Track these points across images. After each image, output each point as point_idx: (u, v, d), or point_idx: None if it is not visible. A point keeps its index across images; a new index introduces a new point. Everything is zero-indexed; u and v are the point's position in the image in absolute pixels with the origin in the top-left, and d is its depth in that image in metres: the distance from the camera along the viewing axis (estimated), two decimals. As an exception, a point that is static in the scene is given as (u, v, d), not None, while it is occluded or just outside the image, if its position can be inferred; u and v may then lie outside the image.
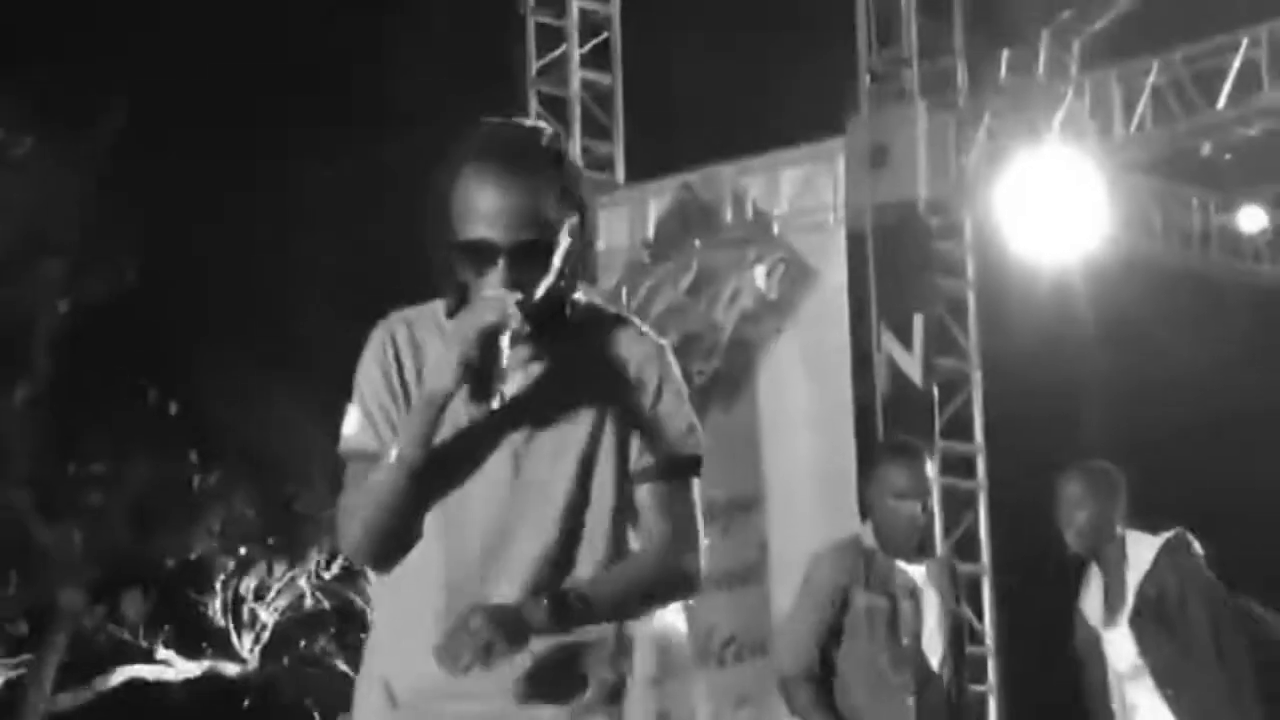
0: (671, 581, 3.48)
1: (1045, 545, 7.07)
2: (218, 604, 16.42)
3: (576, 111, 11.67)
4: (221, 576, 16.56)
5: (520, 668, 3.27)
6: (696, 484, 3.36)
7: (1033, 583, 8.75)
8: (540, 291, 3.15)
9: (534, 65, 11.64)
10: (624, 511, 3.37)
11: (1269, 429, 11.99)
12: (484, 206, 3.11)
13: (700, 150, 11.32)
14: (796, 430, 10.85)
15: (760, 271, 11.03)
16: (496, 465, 3.31)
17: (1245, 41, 10.41)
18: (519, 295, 3.10)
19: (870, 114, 10.95)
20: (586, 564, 3.33)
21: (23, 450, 15.87)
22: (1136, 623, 6.53)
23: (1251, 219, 11.86)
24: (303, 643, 16.52)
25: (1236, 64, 10.40)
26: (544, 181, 3.14)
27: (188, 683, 16.40)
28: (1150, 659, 6.51)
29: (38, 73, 15.16)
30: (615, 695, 3.41)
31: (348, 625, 16.33)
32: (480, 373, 3.14)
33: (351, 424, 3.34)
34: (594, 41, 11.64)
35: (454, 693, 3.30)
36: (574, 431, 3.30)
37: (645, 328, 3.39)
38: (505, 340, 3.10)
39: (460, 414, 3.25)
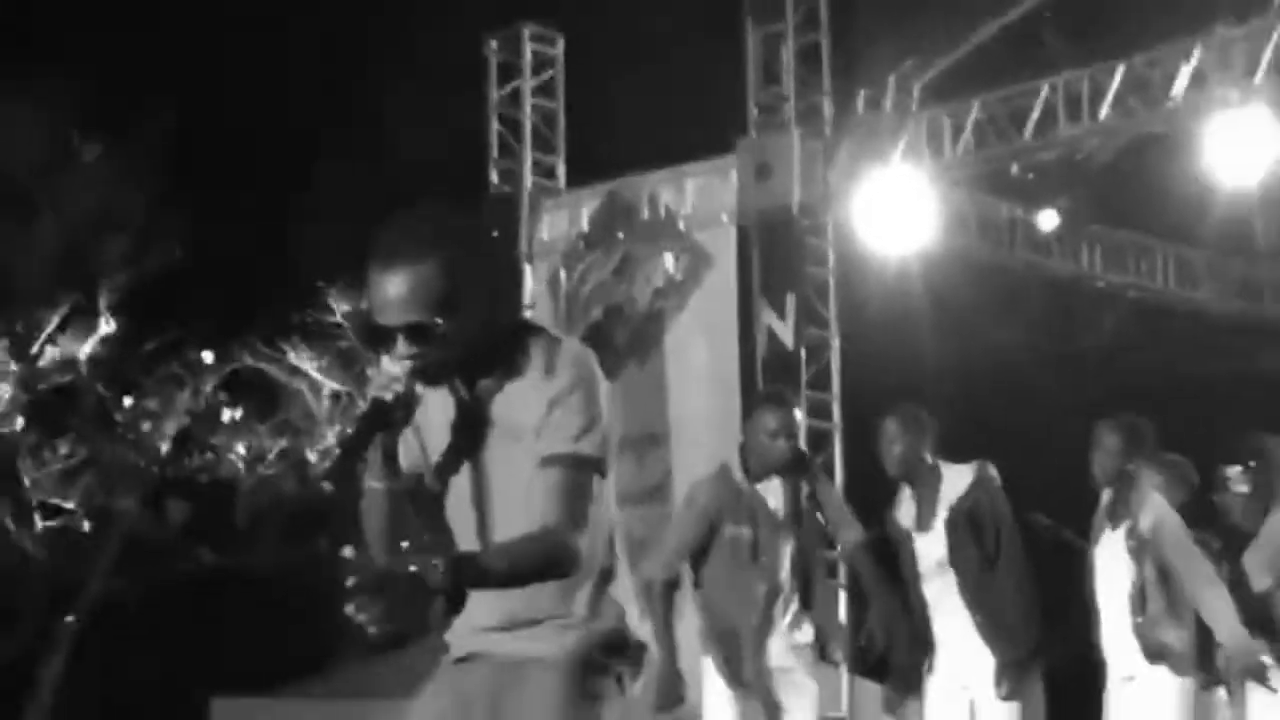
0: (555, 557, 3.44)
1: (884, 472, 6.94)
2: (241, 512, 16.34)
3: (528, 130, 11.45)
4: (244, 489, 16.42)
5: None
6: (588, 477, 3.38)
7: (874, 500, 7.83)
8: (430, 353, 3.23)
9: (495, 93, 11.46)
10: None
11: (1053, 384, 11.95)
12: (375, 300, 3.26)
13: (625, 162, 11.26)
14: (695, 382, 10.83)
15: (669, 258, 11.01)
16: (454, 483, 3.44)
17: (1046, 87, 10.29)
18: (409, 365, 3.23)
19: (757, 138, 10.88)
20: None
21: (91, 389, 15.64)
22: (950, 528, 6.47)
23: (1047, 220, 11.71)
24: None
25: (1039, 104, 10.30)
26: (426, 268, 3.21)
27: (218, 574, 16.13)
28: (955, 557, 6.44)
29: (94, 79, 14.58)
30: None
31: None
32: (370, 425, 3.30)
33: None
34: (543, 76, 11.42)
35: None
36: (488, 455, 3.40)
37: (566, 345, 3.39)
38: (394, 397, 3.25)
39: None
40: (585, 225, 11.32)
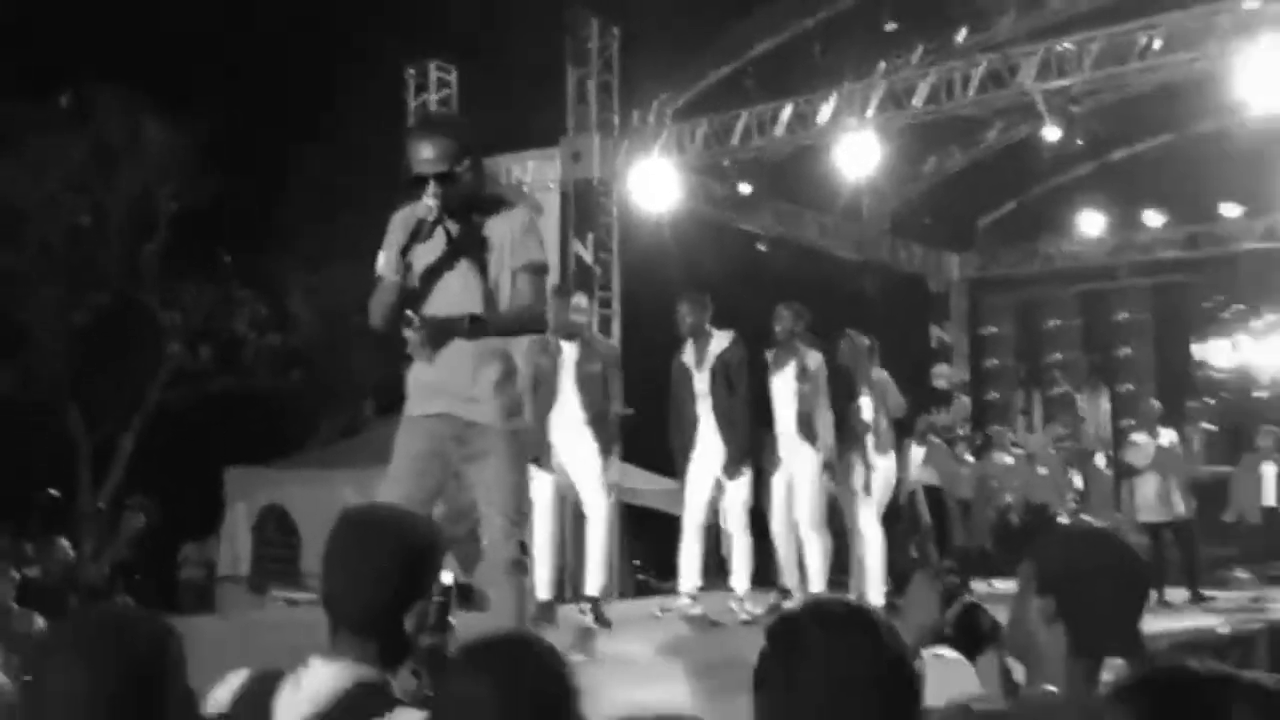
0: (535, 322, 4.02)
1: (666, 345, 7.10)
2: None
3: None
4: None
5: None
6: (539, 277, 3.83)
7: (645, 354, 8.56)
8: (448, 195, 3.58)
9: (411, 103, 11.68)
10: (496, 296, 3.76)
11: (739, 289, 11.55)
12: (417, 157, 3.63)
13: (491, 150, 10.06)
14: None
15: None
16: (445, 274, 3.76)
17: (745, 114, 10.74)
18: (437, 199, 3.58)
19: (573, 137, 11.14)
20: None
21: (135, 292, 15.01)
22: (715, 369, 6.61)
23: (743, 191, 12.17)
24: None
25: (740, 124, 10.74)
26: (445, 139, 3.65)
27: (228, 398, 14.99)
28: (712, 388, 6.62)
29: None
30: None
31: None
32: (416, 233, 3.65)
33: (379, 260, 3.81)
34: (442, 94, 11.64)
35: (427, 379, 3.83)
36: (474, 261, 3.75)
37: (518, 203, 4.02)
38: (429, 214, 3.60)
39: (425, 259, 3.75)
40: None
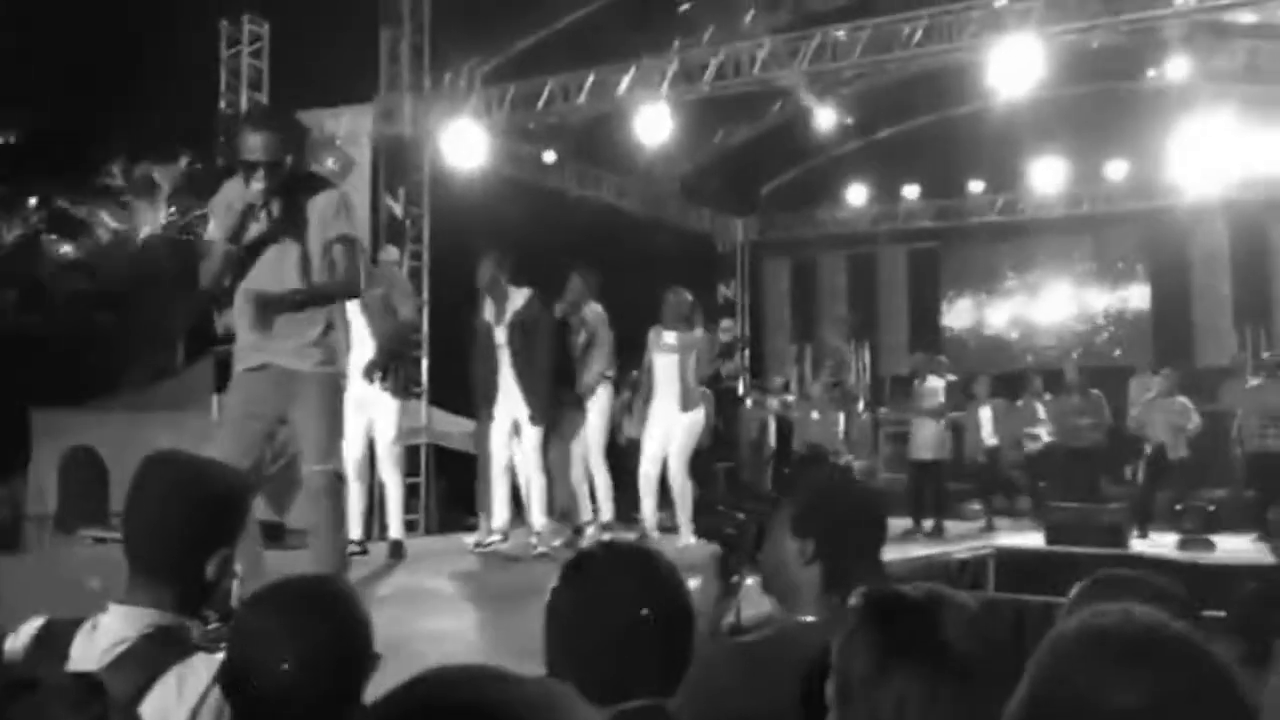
0: (352, 288, 4.21)
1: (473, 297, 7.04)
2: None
3: (244, 79, 10.98)
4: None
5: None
6: (351, 248, 4.10)
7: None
8: (273, 181, 3.91)
9: (224, 53, 11.05)
10: (312, 269, 4.02)
11: (547, 241, 12.13)
12: (247, 146, 3.95)
13: (306, 104, 10.37)
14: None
15: (330, 160, 10.66)
16: (266, 247, 4.03)
17: (551, 81, 10.59)
18: (263, 185, 3.91)
19: (386, 94, 10.84)
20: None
21: None
22: (513, 324, 6.69)
23: (548, 156, 12.20)
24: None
25: (546, 91, 10.64)
26: (274, 133, 3.96)
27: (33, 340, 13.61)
28: (509, 341, 6.69)
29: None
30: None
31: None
32: (246, 214, 3.96)
33: (209, 228, 4.13)
34: (255, 46, 11.03)
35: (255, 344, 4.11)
36: (293, 238, 4.02)
37: (333, 185, 4.25)
38: (256, 198, 3.92)
39: (250, 233, 4.01)
40: None
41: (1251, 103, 11.99)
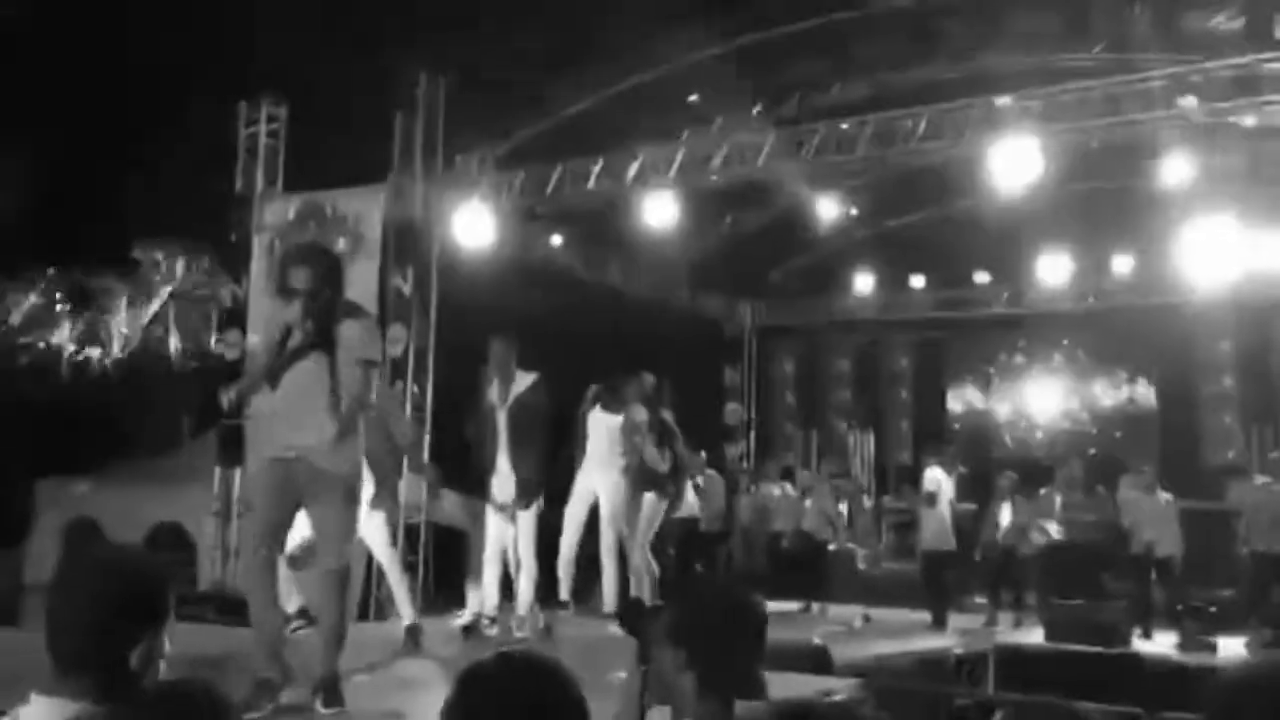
0: (359, 402, 4.75)
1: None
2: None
3: (261, 158, 11.27)
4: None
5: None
6: (368, 370, 4.67)
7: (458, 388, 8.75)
8: (311, 307, 4.57)
9: (243, 133, 11.35)
10: (339, 384, 4.60)
11: (551, 329, 11.77)
12: (290, 278, 4.64)
13: (318, 185, 11.09)
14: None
15: (341, 240, 10.69)
16: (299, 361, 4.64)
17: (559, 168, 10.73)
18: (302, 312, 4.57)
19: (398, 176, 10.87)
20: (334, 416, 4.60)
21: None
22: (513, 408, 6.88)
23: (556, 240, 12.56)
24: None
25: (554, 177, 10.73)
26: (313, 269, 4.64)
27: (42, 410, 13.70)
28: (510, 425, 6.83)
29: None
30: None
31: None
32: (286, 336, 4.61)
33: (253, 339, 5.04)
34: (272, 126, 11.31)
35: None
36: (324, 354, 4.61)
37: (364, 313, 4.83)
38: (296, 321, 4.55)
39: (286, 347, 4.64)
40: (291, 215, 11.13)
41: (1254, 203, 12.10)
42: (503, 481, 6.90)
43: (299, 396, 4.61)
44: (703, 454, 11.50)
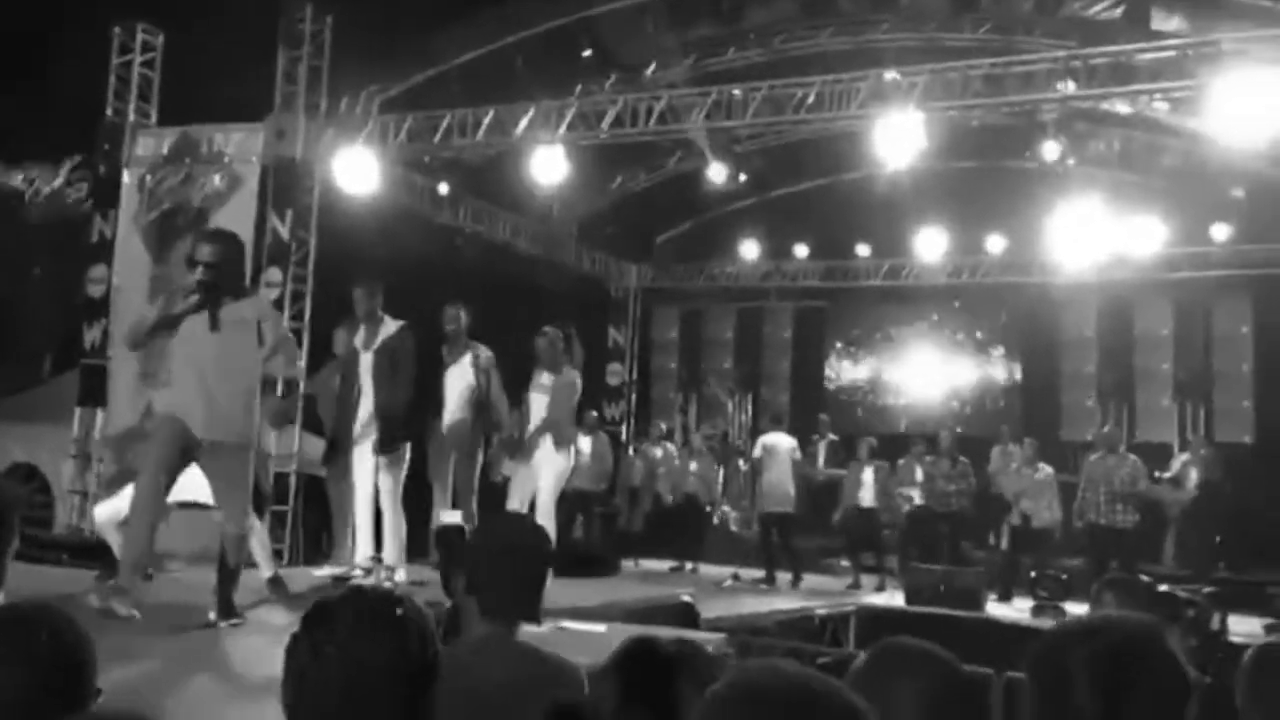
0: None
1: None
2: None
3: (134, 88, 10.90)
4: None
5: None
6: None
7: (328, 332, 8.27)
8: (209, 276, 5.09)
9: (115, 61, 10.81)
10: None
11: (440, 277, 11.33)
12: (199, 250, 5.17)
13: (196, 118, 10.85)
14: None
15: (216, 177, 10.65)
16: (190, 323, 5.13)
17: (448, 115, 10.44)
18: (200, 277, 5.11)
19: (279, 114, 10.56)
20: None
21: None
22: (379, 352, 6.84)
23: (443, 188, 12.05)
24: None
25: (443, 125, 10.43)
26: (218, 245, 5.20)
27: None
28: (375, 370, 6.84)
29: None
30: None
31: None
32: (187, 297, 5.13)
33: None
34: (148, 55, 10.92)
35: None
36: (217, 335, 5.10)
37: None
38: (193, 288, 5.10)
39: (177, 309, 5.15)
40: (165, 150, 10.87)
41: (1123, 188, 12.60)
42: (365, 427, 6.80)
43: (189, 364, 5.10)
44: (594, 413, 11.48)
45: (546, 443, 7.30)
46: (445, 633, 2.40)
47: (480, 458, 7.65)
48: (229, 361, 5.12)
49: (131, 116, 11.01)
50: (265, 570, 6.37)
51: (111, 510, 6.02)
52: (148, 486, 5.07)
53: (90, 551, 7.07)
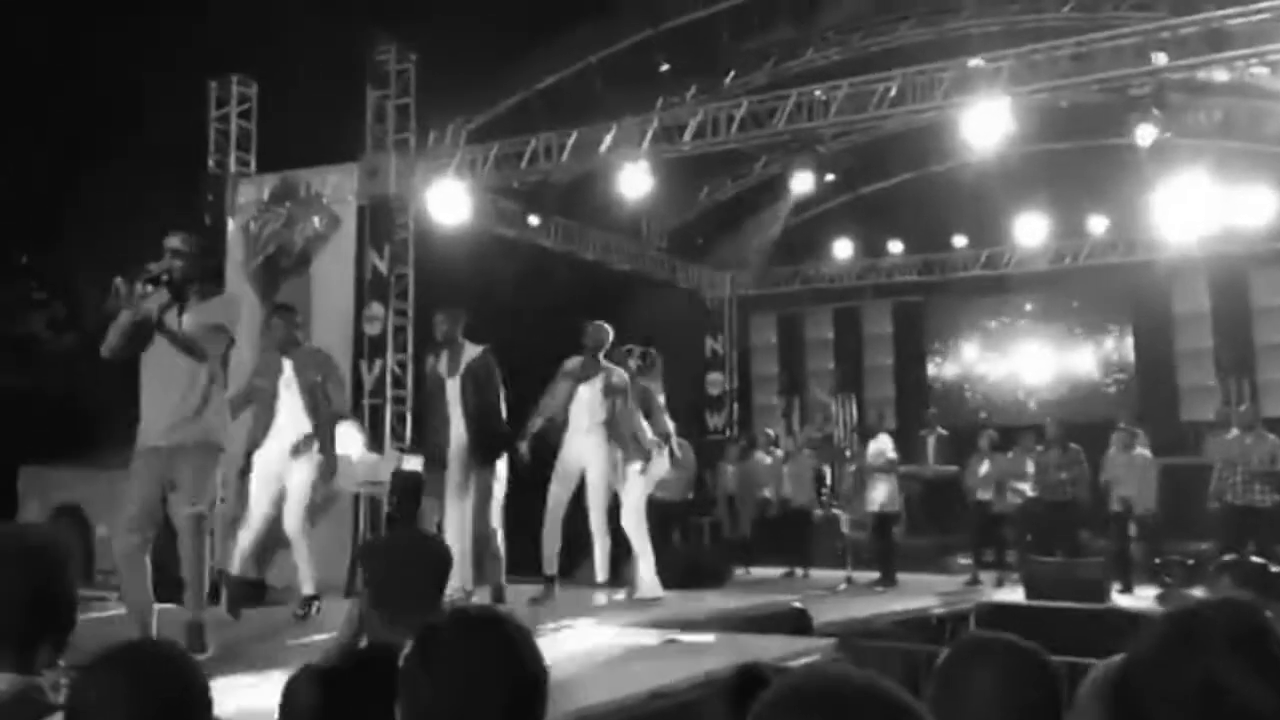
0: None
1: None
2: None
3: (233, 138, 11.28)
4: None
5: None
6: (221, 334, 5.11)
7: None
8: (177, 260, 4.89)
9: (213, 113, 11.33)
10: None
11: (528, 301, 11.92)
12: (169, 240, 4.96)
13: (292, 163, 11.17)
14: (331, 290, 10.70)
15: (316, 219, 10.94)
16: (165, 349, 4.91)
17: (534, 140, 10.65)
18: (171, 262, 4.88)
19: (371, 154, 10.87)
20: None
21: None
22: (464, 376, 6.84)
23: (533, 217, 12.31)
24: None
25: (529, 150, 10.66)
26: (187, 239, 5.03)
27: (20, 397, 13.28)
28: (462, 394, 6.89)
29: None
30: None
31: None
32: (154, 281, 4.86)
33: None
34: (243, 106, 11.29)
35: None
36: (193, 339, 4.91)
37: (228, 293, 5.32)
38: (162, 271, 4.84)
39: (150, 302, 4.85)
40: (266, 196, 11.18)
41: (1227, 158, 12.17)
42: (459, 451, 6.86)
43: (152, 369, 4.99)
44: (671, 424, 11.39)
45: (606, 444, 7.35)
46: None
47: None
48: (195, 367, 4.88)
49: (233, 167, 11.42)
50: (306, 587, 6.30)
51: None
52: (121, 546, 4.87)
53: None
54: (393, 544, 2.81)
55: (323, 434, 6.29)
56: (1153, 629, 1.52)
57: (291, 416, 6.27)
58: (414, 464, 6.56)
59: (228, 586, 6.17)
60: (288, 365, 6.34)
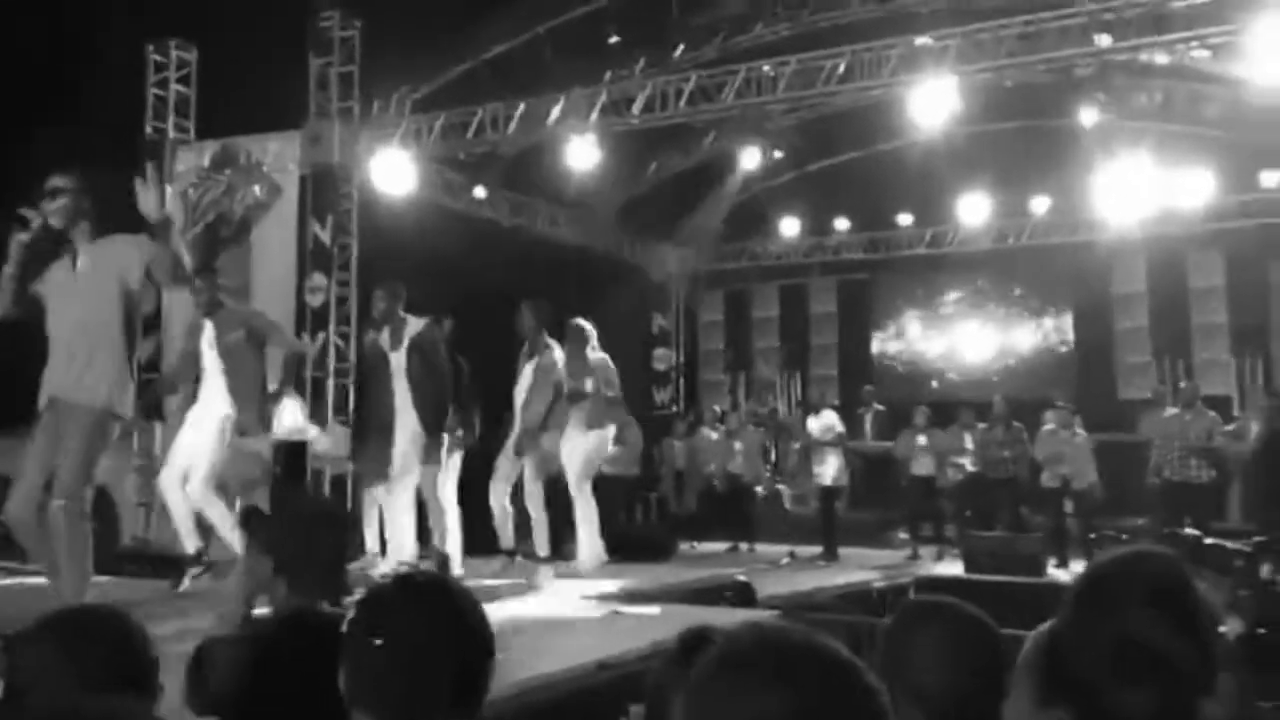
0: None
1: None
2: None
3: (172, 103, 11.09)
4: None
5: None
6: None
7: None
8: (61, 199, 4.64)
9: (151, 77, 11.09)
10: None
11: (474, 280, 11.60)
12: (51, 180, 4.67)
13: (233, 130, 11.00)
14: (270, 262, 10.63)
15: (256, 188, 10.82)
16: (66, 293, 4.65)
17: (481, 110, 10.48)
18: (55, 202, 4.65)
19: (314, 122, 10.71)
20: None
21: None
22: (409, 352, 6.77)
23: (478, 189, 12.27)
24: None
25: (475, 120, 10.55)
26: (71, 176, 4.72)
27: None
28: (408, 367, 6.76)
29: None
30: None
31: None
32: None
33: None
34: (183, 71, 11.14)
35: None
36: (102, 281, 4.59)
37: (132, 237, 4.69)
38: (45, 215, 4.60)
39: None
40: (206, 163, 11.03)
41: (1167, 140, 12.38)
42: (406, 425, 6.79)
43: (57, 318, 4.69)
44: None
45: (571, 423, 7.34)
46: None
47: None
48: (91, 314, 4.54)
49: (171, 133, 11.19)
50: (187, 544, 6.08)
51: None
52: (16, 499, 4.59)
53: (154, 561, 7.19)
54: (297, 512, 2.91)
55: (286, 370, 6.33)
56: (1073, 587, 1.55)
57: (215, 379, 6.17)
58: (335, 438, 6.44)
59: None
60: (209, 326, 6.25)
